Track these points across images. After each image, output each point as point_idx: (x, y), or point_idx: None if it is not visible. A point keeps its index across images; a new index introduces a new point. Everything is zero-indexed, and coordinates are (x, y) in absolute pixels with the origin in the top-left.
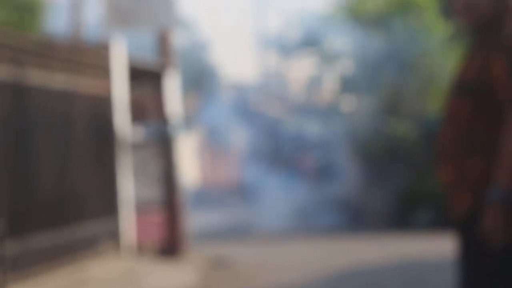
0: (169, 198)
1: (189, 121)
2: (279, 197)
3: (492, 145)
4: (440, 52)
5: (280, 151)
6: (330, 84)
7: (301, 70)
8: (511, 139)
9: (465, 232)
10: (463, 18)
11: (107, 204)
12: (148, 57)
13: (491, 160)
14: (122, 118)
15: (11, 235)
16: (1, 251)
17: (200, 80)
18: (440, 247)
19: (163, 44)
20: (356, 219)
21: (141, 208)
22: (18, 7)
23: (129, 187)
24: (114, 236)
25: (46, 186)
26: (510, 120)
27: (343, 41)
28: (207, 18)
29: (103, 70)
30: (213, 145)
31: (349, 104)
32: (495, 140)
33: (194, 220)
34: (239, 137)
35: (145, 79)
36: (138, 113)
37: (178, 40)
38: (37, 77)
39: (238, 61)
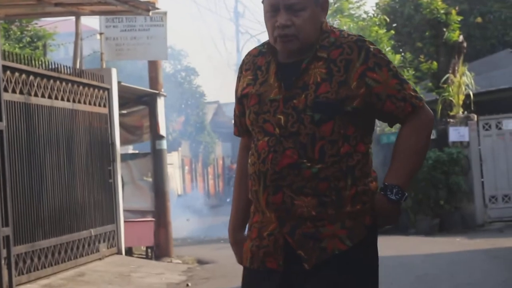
0: (158, 206)
1: (176, 136)
2: None
3: (360, 165)
4: None
5: None
6: None
7: None
8: (414, 141)
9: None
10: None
11: (105, 212)
12: (140, 83)
13: (362, 181)
14: (117, 135)
15: (20, 240)
16: (9, 252)
17: (186, 101)
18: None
19: (153, 72)
20: None
21: (134, 215)
22: (29, 43)
23: (124, 196)
24: (110, 239)
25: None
26: (414, 121)
27: None
28: (193, 47)
29: (101, 93)
30: (197, 158)
31: None
32: (363, 160)
33: (179, 225)
34: (221, 151)
35: (138, 102)
36: (132, 131)
37: (167, 67)
38: (44, 97)
39: (220, 84)
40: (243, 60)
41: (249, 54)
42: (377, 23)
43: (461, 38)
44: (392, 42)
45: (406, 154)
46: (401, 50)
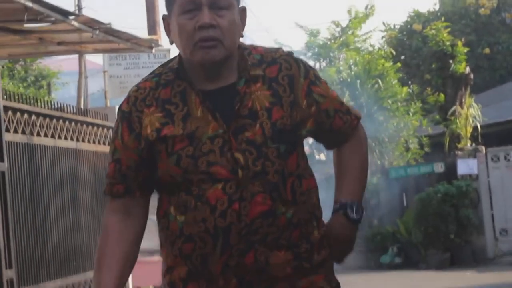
0: None
1: None
2: None
3: (318, 203)
4: (402, 111)
5: None
6: None
7: None
8: (361, 155)
9: None
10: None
11: None
12: None
13: (321, 222)
14: None
15: (24, 281)
16: None
17: None
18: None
19: None
20: None
21: (142, 254)
22: (33, 83)
23: None
24: None
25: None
26: (357, 135)
27: None
28: None
29: (106, 132)
30: None
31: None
32: (318, 196)
33: None
34: None
35: None
36: None
37: None
38: (46, 137)
39: None
40: (134, 97)
41: (141, 88)
42: (384, 56)
43: (467, 69)
44: (400, 75)
45: (356, 168)
46: (409, 82)
